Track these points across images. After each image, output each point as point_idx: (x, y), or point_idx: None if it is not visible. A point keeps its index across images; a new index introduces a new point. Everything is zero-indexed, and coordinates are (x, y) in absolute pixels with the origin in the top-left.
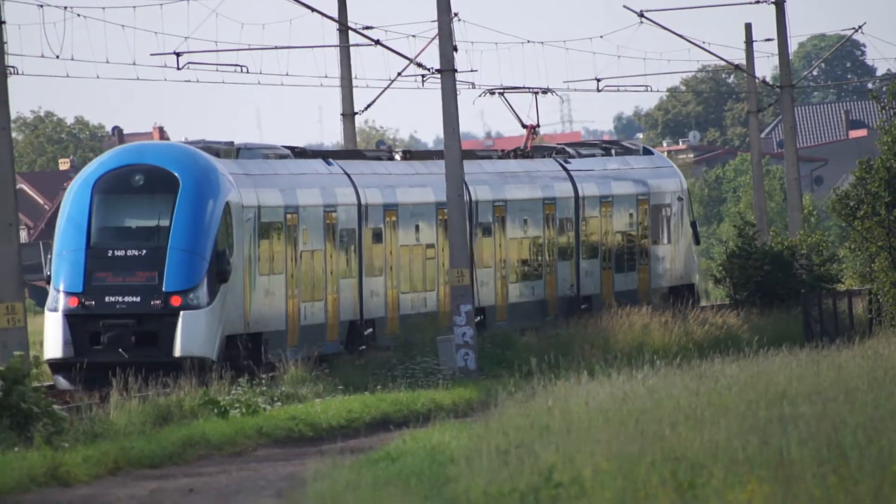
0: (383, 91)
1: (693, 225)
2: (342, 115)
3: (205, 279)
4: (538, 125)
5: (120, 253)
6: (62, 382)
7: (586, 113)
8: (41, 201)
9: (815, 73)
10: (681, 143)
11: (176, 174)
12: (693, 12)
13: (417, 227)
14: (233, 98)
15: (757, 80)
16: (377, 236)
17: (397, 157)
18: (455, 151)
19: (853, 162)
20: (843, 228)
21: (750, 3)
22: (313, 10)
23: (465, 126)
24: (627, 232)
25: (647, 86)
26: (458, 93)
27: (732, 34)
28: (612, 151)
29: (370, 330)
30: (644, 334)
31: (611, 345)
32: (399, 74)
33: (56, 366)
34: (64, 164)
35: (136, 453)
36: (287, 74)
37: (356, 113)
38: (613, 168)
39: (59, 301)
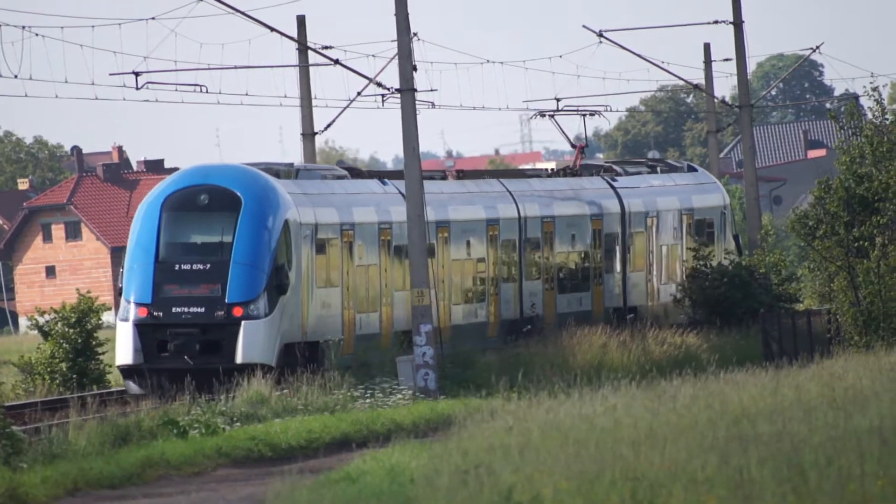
0: (343, 110)
1: (735, 238)
2: (302, 134)
3: (264, 291)
4: (587, 145)
5: (186, 267)
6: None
7: (547, 133)
8: (0, 221)
9: (773, 92)
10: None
11: (238, 193)
12: (652, 32)
13: (469, 243)
14: (192, 118)
15: (716, 100)
16: (430, 251)
17: (450, 176)
18: (415, 171)
19: (812, 182)
20: (801, 248)
21: (708, 24)
22: (272, 29)
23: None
24: (671, 244)
25: (606, 106)
26: (417, 112)
27: (691, 54)
28: (658, 169)
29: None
30: (602, 353)
31: (570, 364)
32: (359, 94)
33: (127, 372)
34: (23, 184)
35: (94, 474)
36: (247, 94)
37: (316, 133)
38: (658, 185)
39: (129, 311)
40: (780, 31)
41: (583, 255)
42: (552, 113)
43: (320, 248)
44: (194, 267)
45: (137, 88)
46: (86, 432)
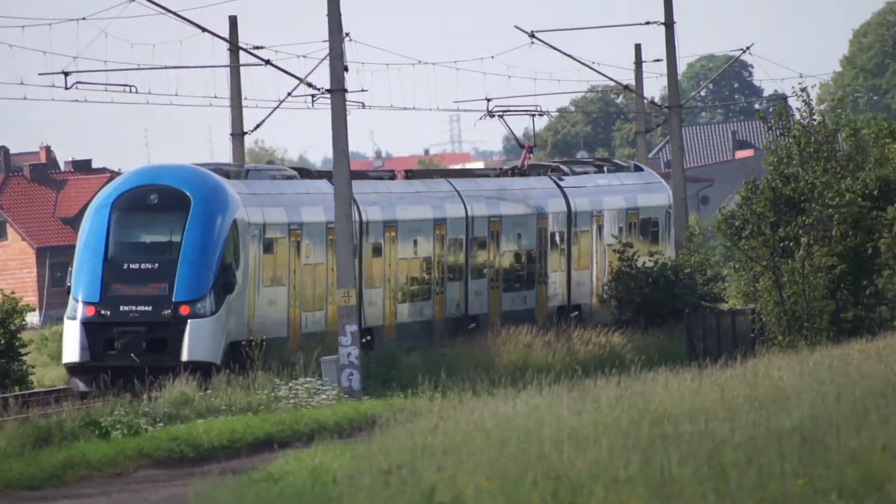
0: (273, 111)
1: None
2: (232, 134)
3: (211, 290)
4: (535, 144)
5: (134, 266)
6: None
7: (476, 133)
8: None
9: (703, 93)
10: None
11: (188, 193)
12: (584, 33)
13: (416, 242)
14: (122, 117)
15: (645, 101)
16: (377, 250)
17: (399, 176)
18: (344, 171)
19: (739, 182)
20: (727, 248)
21: (640, 25)
22: (204, 29)
23: (354, 146)
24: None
25: (537, 106)
26: (347, 112)
27: (622, 55)
28: (605, 168)
29: (368, 337)
30: (527, 354)
31: (494, 364)
32: (289, 94)
33: (73, 369)
34: None
35: (14, 475)
36: (176, 94)
37: (246, 133)
38: (605, 184)
39: (77, 310)
40: (711, 32)
41: (528, 254)
42: (502, 113)
43: (268, 247)
44: (142, 266)
45: (67, 88)
46: (6, 433)
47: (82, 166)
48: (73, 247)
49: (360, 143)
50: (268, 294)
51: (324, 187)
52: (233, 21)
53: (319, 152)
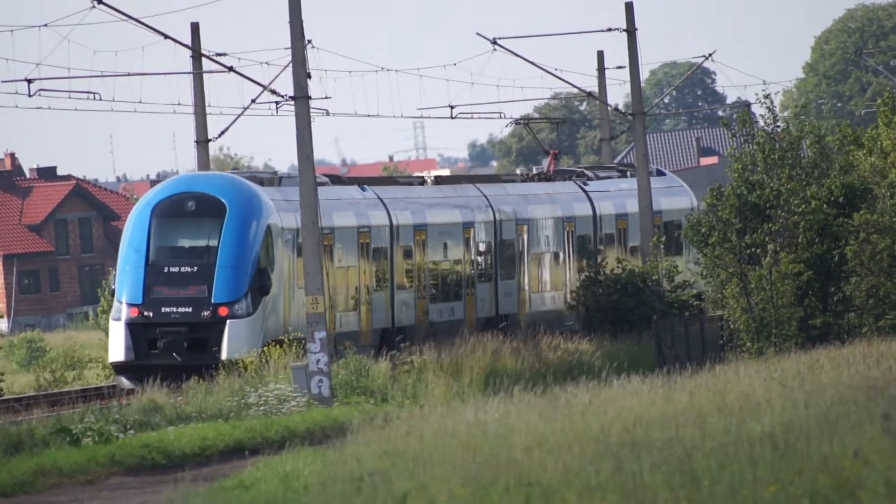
0: (237, 118)
1: None
2: (196, 142)
3: (248, 292)
4: (559, 151)
5: (175, 269)
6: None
7: (441, 140)
8: None
9: (666, 100)
10: (534, 170)
11: (223, 200)
12: (546, 40)
13: (445, 245)
14: (86, 125)
15: (609, 108)
16: (408, 253)
17: (429, 182)
18: (309, 178)
19: (704, 189)
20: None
21: (602, 32)
22: (166, 36)
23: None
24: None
25: (500, 112)
26: (312, 119)
27: (585, 62)
28: (627, 173)
29: (401, 336)
30: (495, 360)
31: (463, 371)
32: (253, 101)
33: (119, 368)
34: None
35: None
36: (140, 101)
37: (210, 140)
38: (627, 188)
39: (121, 311)
40: (674, 39)
41: (555, 257)
42: (526, 122)
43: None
44: (182, 269)
45: (30, 95)
46: None
47: (47, 173)
48: (40, 253)
49: (325, 150)
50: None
51: (354, 193)
52: (195, 28)
53: (285, 159)
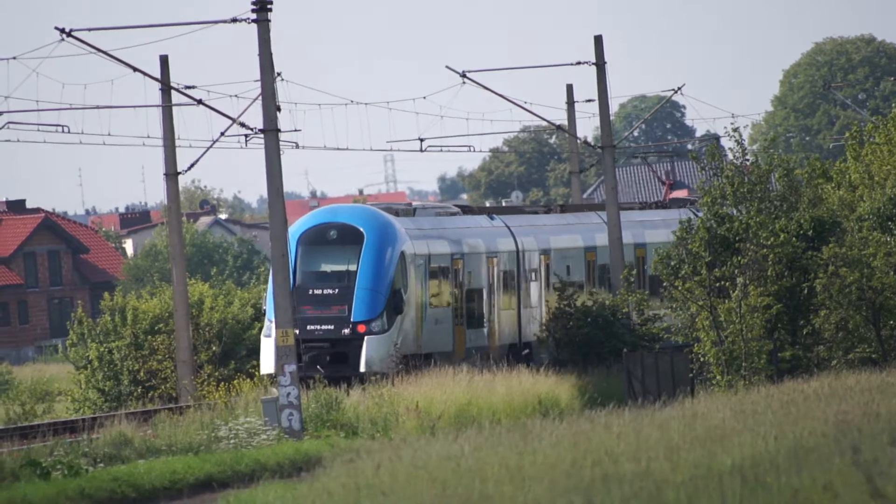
0: (206, 150)
1: None
2: (165, 174)
3: (384, 311)
4: (673, 182)
5: (318, 291)
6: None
7: (411, 173)
8: None
9: (635, 133)
10: (503, 203)
11: (362, 229)
12: (516, 73)
13: (568, 268)
14: (55, 157)
15: (579, 141)
16: (534, 274)
17: (553, 210)
18: (279, 210)
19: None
20: (664, 288)
21: (571, 65)
22: (135, 69)
23: (289, 185)
24: None
25: (469, 146)
26: (281, 152)
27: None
28: None
29: (527, 351)
30: (470, 392)
31: (434, 405)
32: (222, 134)
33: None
34: None
35: None
36: (109, 134)
37: (180, 173)
38: None
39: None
40: (643, 73)
41: None
42: (644, 154)
43: (433, 274)
44: (325, 291)
45: None
46: None
47: (16, 206)
48: (9, 286)
49: (296, 183)
50: (434, 314)
51: (483, 222)
52: (164, 60)
53: (255, 192)
